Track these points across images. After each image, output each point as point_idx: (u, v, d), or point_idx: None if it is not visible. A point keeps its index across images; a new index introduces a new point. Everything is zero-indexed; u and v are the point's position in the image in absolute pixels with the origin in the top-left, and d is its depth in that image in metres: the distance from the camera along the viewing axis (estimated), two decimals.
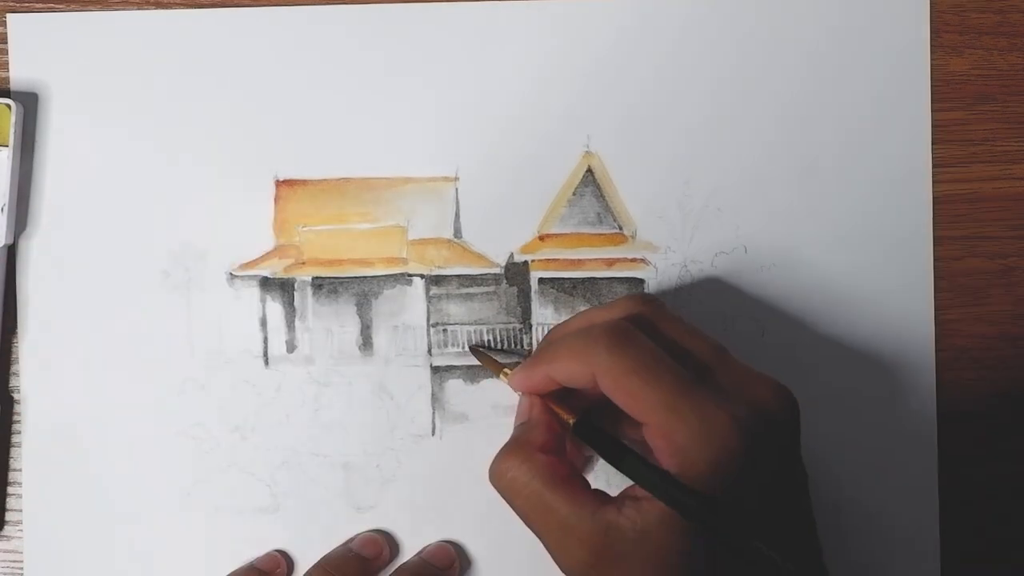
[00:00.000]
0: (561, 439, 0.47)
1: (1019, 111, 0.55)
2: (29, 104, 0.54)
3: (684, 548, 0.41)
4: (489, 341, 0.54)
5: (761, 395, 0.44)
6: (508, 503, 0.45)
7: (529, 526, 0.44)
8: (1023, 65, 0.55)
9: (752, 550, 0.40)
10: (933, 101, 0.54)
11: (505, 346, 0.54)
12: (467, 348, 0.54)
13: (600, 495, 0.44)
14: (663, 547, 0.41)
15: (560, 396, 0.47)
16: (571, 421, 0.46)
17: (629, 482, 0.44)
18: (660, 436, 0.42)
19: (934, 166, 0.54)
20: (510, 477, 0.44)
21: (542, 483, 0.43)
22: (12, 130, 0.52)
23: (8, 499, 0.54)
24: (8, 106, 0.52)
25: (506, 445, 0.46)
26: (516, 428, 0.47)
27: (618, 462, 0.44)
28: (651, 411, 0.42)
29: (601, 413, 0.46)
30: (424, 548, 0.54)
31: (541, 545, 0.44)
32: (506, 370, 0.49)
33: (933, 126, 0.54)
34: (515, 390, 0.48)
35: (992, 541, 0.54)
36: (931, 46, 0.54)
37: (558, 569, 0.44)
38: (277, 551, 0.54)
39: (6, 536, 0.54)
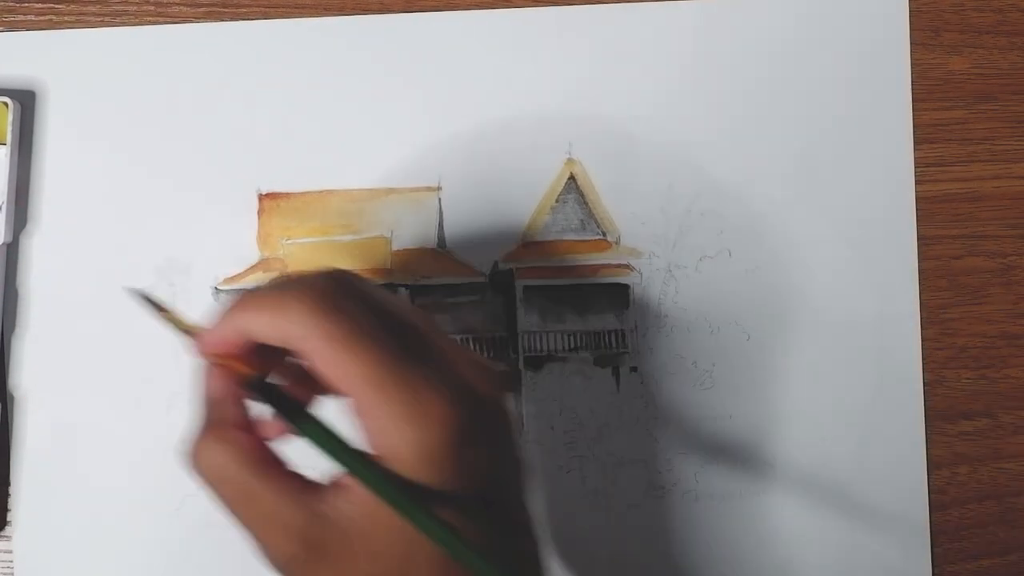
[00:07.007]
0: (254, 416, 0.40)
1: (1019, 110, 0.55)
2: (27, 102, 0.54)
3: (393, 540, 0.37)
4: (475, 351, 0.54)
5: (473, 375, 0.39)
6: (211, 492, 0.39)
7: (234, 516, 0.38)
8: (1023, 64, 0.55)
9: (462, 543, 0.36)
10: (933, 100, 0.54)
11: (492, 355, 0.54)
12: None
13: (308, 482, 0.38)
14: (371, 540, 0.37)
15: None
16: (250, 375, 0.39)
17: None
18: (365, 414, 0.37)
19: (934, 164, 0.54)
20: (212, 463, 0.38)
21: (246, 467, 0.38)
22: (10, 127, 0.53)
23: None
24: (5, 103, 0.53)
25: (201, 426, 0.39)
26: (206, 405, 0.40)
27: (300, 429, 0.38)
28: (355, 386, 0.36)
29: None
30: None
31: None
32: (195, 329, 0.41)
33: (933, 125, 0.54)
34: (203, 354, 0.40)
35: (991, 542, 0.54)
36: (931, 45, 0.54)
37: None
38: None
39: (6, 536, 0.55)
